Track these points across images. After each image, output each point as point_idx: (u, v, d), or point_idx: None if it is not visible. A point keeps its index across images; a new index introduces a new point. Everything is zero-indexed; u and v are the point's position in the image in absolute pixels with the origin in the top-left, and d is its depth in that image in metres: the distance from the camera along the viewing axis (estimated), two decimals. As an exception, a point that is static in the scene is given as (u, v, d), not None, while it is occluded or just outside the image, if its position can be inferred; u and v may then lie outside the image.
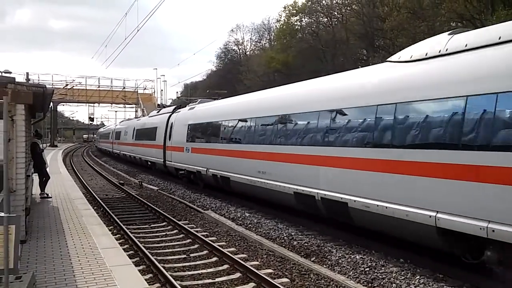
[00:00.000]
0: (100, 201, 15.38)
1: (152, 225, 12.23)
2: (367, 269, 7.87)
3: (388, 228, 8.32)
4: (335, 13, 49.30)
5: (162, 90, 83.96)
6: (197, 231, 11.06)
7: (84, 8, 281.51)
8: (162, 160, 23.03)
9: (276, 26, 61.95)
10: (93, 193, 17.35)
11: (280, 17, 58.04)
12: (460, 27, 31.52)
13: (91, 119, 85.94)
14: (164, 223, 12.44)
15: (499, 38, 6.70)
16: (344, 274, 7.79)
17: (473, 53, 7.02)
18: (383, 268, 7.83)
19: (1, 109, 5.28)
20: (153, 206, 14.52)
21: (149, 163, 26.71)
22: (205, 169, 16.96)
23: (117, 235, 10.54)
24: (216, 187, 16.93)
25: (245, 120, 14.54)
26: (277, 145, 12.14)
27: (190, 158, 19.02)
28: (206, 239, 9.99)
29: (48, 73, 79.98)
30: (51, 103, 23.31)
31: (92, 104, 74.67)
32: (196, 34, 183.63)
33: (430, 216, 7.00)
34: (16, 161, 7.64)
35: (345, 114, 9.59)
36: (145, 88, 71.79)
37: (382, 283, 7.25)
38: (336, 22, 49.47)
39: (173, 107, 26.43)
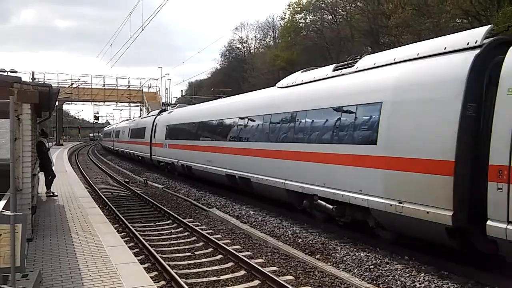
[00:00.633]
0: (105, 199, 15.46)
1: (157, 223, 12.29)
2: (372, 266, 7.88)
3: (268, 192, 13.10)
4: (340, 10, 49.13)
5: (167, 88, 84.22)
6: (202, 229, 11.10)
7: (89, 7, 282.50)
8: (149, 154, 27.61)
9: (280, 23, 61.89)
10: (99, 192, 17.43)
11: (285, 15, 57.95)
12: (465, 23, 31.35)
13: (96, 117, 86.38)
14: (169, 221, 12.49)
15: (326, 75, 11.24)
16: (349, 271, 7.80)
17: (309, 85, 11.83)
18: (387, 266, 7.83)
19: (7, 108, 5.32)
20: (158, 204, 14.58)
21: (140, 157, 31.31)
22: (177, 161, 21.55)
23: (123, 233, 10.60)
24: (184, 174, 21.53)
25: (198, 123, 19.75)
26: (215, 141, 17.28)
27: (167, 152, 23.74)
28: (211, 237, 10.02)
29: (53, 72, 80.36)
30: (57, 102, 23.47)
31: (97, 103, 75.01)
32: (201, 33, 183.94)
33: (282, 182, 11.75)
34: (22, 160, 7.70)
35: (251, 120, 14.36)
36: (150, 87, 71.97)
37: (386, 280, 7.25)
38: (340, 19, 49.29)
39: (158, 110, 31.56)
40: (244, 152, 14.30)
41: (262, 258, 8.72)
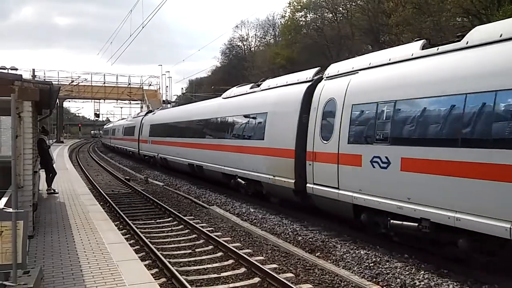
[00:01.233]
0: (106, 196, 15.50)
1: (158, 221, 12.32)
2: (372, 264, 7.90)
3: (214, 176, 16.94)
4: (340, 8, 49.09)
5: (167, 86, 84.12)
6: (202, 227, 11.13)
7: (89, 4, 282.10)
8: (137, 149, 32.20)
9: (280, 22, 61.81)
10: (99, 189, 17.47)
11: (285, 13, 57.90)
12: (466, 22, 31.30)
13: (97, 115, 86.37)
14: (169, 219, 12.52)
15: (246, 91, 15.63)
16: (349, 269, 7.82)
17: (236, 98, 16.27)
18: (387, 264, 7.85)
19: (8, 106, 5.33)
20: (158, 202, 14.61)
21: (131, 152, 35.73)
22: (157, 154, 25.93)
23: (123, 230, 10.64)
24: (162, 165, 25.75)
25: (171, 123, 24.28)
26: (181, 137, 21.46)
27: (150, 147, 28.24)
28: (211, 234, 10.05)
29: (54, 70, 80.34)
30: (57, 100, 23.57)
31: (97, 100, 75.00)
32: (201, 30, 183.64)
33: (220, 168, 15.82)
34: (23, 157, 7.73)
35: (204, 122, 18.73)
36: (150, 85, 71.99)
37: (386, 278, 7.27)
38: (341, 18, 49.26)
39: (146, 111, 37.46)
40: (199, 146, 18.56)
41: (262, 256, 8.75)
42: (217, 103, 18.39)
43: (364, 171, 8.80)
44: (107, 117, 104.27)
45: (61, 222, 9.37)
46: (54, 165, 13.98)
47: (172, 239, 10.26)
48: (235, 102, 16.15)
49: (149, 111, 35.76)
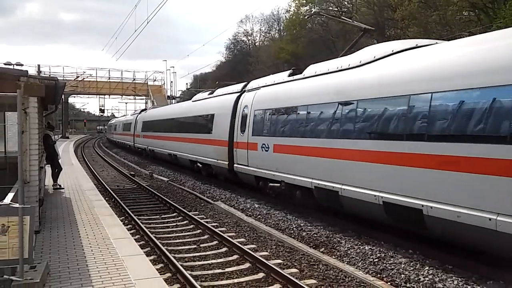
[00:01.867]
0: (111, 192, 15.57)
1: (162, 216, 12.38)
2: (376, 260, 7.91)
3: (182, 162, 21.79)
4: (345, 2, 48.80)
5: (172, 81, 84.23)
6: (207, 222, 11.17)
7: (94, 0, 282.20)
8: (133, 143, 37.10)
9: (285, 16, 61.50)
10: (105, 184, 17.56)
11: (290, 8, 57.57)
12: (472, 16, 31.04)
13: (102, 110, 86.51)
14: (174, 214, 12.58)
15: (204, 97, 21.15)
16: (353, 265, 7.84)
17: (199, 102, 21.42)
18: (392, 259, 7.85)
19: (14, 102, 5.36)
20: (163, 197, 14.67)
21: (127, 145, 40.84)
22: (147, 146, 30.89)
23: (129, 226, 10.70)
24: (151, 156, 30.26)
25: (157, 120, 29.21)
26: (162, 132, 26.32)
27: (142, 141, 32.89)
28: (216, 230, 10.09)
29: (59, 65, 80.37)
30: (63, 95, 23.74)
31: (102, 96, 75.04)
32: (205, 25, 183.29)
33: (187, 155, 20.45)
34: (29, 153, 7.76)
35: (179, 119, 23.52)
36: (155, 80, 71.90)
37: (391, 273, 7.28)
38: (346, 12, 48.96)
39: (141, 109, 42.62)
40: (174, 139, 23.19)
41: (266, 251, 8.77)
42: (187, 105, 24.42)
43: (258, 153, 13.53)
44: (112, 113, 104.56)
45: (67, 217, 9.44)
46: (59, 161, 14.05)
47: (177, 234, 10.31)
48: (198, 105, 21.17)
49: (143, 110, 41.05)
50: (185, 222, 11.58)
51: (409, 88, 8.02)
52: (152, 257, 8.13)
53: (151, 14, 53.08)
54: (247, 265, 7.89)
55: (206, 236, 10.01)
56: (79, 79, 55.06)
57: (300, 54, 49.88)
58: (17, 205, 5.13)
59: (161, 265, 7.84)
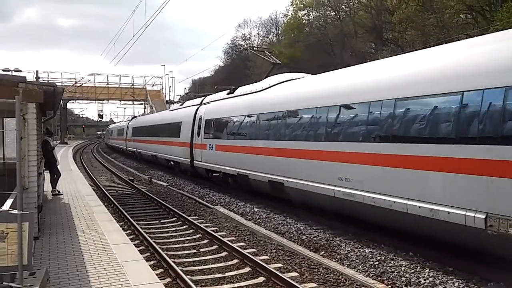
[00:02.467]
0: (110, 197, 15.54)
1: (162, 221, 12.35)
2: (376, 262, 7.89)
3: (161, 162, 26.31)
4: (343, 6, 48.94)
5: (170, 86, 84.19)
6: (206, 226, 11.14)
7: (92, 5, 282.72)
8: (125, 146, 41.64)
9: (283, 20, 61.73)
10: (104, 190, 17.52)
11: (288, 12, 57.84)
12: (469, 19, 31.15)
13: (101, 116, 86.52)
14: (174, 219, 12.55)
15: (179, 105, 28.73)
16: (354, 268, 7.82)
17: (168, 112, 29.86)
18: (392, 262, 7.84)
19: (13, 108, 5.36)
20: (162, 202, 14.64)
21: (120, 149, 45.49)
22: (136, 149, 35.03)
23: (128, 231, 10.66)
24: (139, 157, 34.35)
25: (141, 126, 34.68)
26: (147, 136, 31.00)
27: (133, 144, 37.08)
28: (216, 234, 10.07)
29: (57, 71, 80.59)
30: (61, 101, 23.82)
31: (101, 101, 75.05)
32: (204, 30, 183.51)
33: (163, 155, 25.27)
34: (28, 159, 7.75)
35: (153, 126, 29.74)
36: (153, 85, 71.96)
37: (391, 276, 7.26)
38: (344, 16, 49.13)
39: (132, 116, 48.66)
40: (155, 142, 27.89)
41: (266, 255, 8.75)
42: (165, 113, 30.17)
43: (207, 152, 18.01)
44: (111, 118, 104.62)
45: (66, 223, 9.41)
46: (58, 167, 14.02)
47: (177, 239, 10.28)
48: (172, 113, 26.39)
49: (134, 117, 46.97)
50: (184, 226, 11.55)
51: (283, 106, 12.67)
52: (151, 262, 8.11)
53: (149, 19, 53.23)
54: (247, 269, 7.87)
55: (205, 241, 9.98)
56: (78, 84, 55.12)
57: (298, 58, 49.95)
58: (16, 211, 5.11)
59: (161, 270, 7.82)
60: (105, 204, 13.36)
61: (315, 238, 9.73)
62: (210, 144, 17.64)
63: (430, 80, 7.70)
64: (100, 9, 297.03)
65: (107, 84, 67.54)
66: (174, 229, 11.38)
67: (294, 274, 7.53)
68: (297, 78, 14.10)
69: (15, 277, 5.13)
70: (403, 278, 7.14)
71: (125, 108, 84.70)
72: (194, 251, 9.25)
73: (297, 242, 9.62)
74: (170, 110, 28.56)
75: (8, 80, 7.79)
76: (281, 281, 6.97)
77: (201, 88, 75.24)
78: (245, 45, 72.44)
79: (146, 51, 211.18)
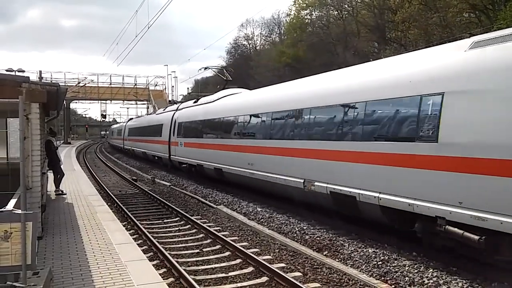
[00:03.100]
0: (113, 197, 15.57)
1: (165, 221, 12.36)
2: (380, 262, 7.87)
3: (149, 157, 31.06)
4: (346, 5, 48.91)
5: (173, 86, 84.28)
6: (209, 226, 11.15)
7: (95, 6, 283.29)
8: (123, 145, 46.14)
9: (286, 20, 61.74)
10: (107, 190, 17.56)
11: (290, 11, 57.83)
12: (473, 18, 31.04)
13: (104, 116, 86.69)
14: (177, 218, 12.56)
15: (163, 110, 32.92)
16: (357, 267, 7.80)
17: (159, 114, 31.80)
18: (395, 262, 7.82)
19: (16, 108, 5.36)
20: (166, 202, 14.66)
21: (119, 147, 49.64)
22: (131, 147, 40.00)
23: (131, 231, 10.67)
24: (133, 155, 39.37)
25: (136, 127, 38.81)
26: (139, 136, 35.83)
27: (128, 143, 41.79)
28: (219, 234, 10.07)
29: (60, 71, 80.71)
30: (64, 101, 23.95)
31: (104, 101, 75.25)
32: (206, 30, 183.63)
33: (145, 151, 32.22)
34: (31, 159, 7.77)
35: (138, 128, 37.22)
36: (156, 85, 72.06)
37: (395, 276, 7.24)
38: (346, 15, 49.08)
39: (129, 118, 55.53)
40: (144, 141, 32.55)
41: (270, 255, 8.75)
42: (151, 116, 37.37)
43: (179, 148, 22.30)
44: (114, 118, 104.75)
45: (69, 223, 9.43)
46: (61, 166, 14.06)
47: (180, 239, 10.29)
48: (157, 116, 30.90)
49: (130, 118, 53.39)
50: (187, 226, 11.56)
51: (223, 113, 17.46)
52: (155, 262, 8.12)
53: (152, 19, 53.27)
54: (250, 269, 7.87)
55: (209, 241, 9.99)
56: (81, 84, 55.22)
57: (300, 58, 49.98)
58: (19, 211, 5.11)
59: (164, 269, 7.83)
60: (108, 204, 13.37)
61: (318, 238, 9.72)
62: (180, 142, 22.35)
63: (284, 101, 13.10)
64: (102, 10, 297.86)
65: (110, 84, 67.69)
66: (177, 228, 11.39)
67: (297, 274, 7.52)
68: (236, 93, 19.12)
69: (19, 277, 5.14)
70: (406, 278, 7.12)
71: (128, 108, 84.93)
72: (197, 250, 9.26)
73: (300, 242, 9.61)
74: (156, 114, 33.44)
75: (12, 80, 7.80)
76: (284, 281, 6.97)
77: (203, 87, 75.31)
78: (248, 45, 72.58)
79: (148, 51, 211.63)
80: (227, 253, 8.91)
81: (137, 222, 11.35)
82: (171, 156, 23.84)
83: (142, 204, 15.01)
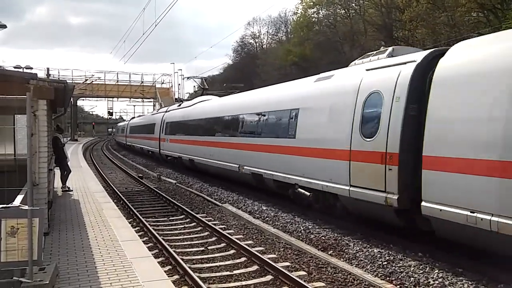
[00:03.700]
0: (119, 194, 15.64)
1: (170, 218, 12.40)
2: (385, 263, 7.84)
3: (145, 151, 35.68)
4: (353, 4, 48.63)
5: (179, 84, 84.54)
6: (214, 224, 11.16)
7: (102, 3, 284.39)
8: (125, 142, 50.24)
9: (293, 18, 61.52)
10: (113, 187, 17.64)
11: (297, 10, 57.55)
12: (481, 17, 30.79)
13: (110, 113, 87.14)
14: (182, 216, 12.59)
15: (157, 111, 42.87)
16: (362, 267, 7.78)
17: (154, 114, 37.52)
18: (401, 262, 7.78)
19: (24, 104, 5.40)
20: (171, 199, 14.70)
21: (123, 143, 54.00)
22: (132, 144, 43.84)
23: (137, 228, 10.72)
24: (133, 150, 43.35)
25: (136, 126, 43.95)
26: (137, 133, 40.76)
27: (130, 140, 46.12)
28: (224, 232, 10.09)
29: (67, 69, 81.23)
30: (71, 98, 24.15)
31: (111, 99, 75.69)
32: (213, 28, 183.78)
33: (142, 147, 37.24)
34: (38, 155, 7.82)
35: (136, 126, 43.00)
36: (162, 83, 72.34)
37: (400, 276, 7.21)
38: (353, 14, 48.82)
39: (131, 118, 61.63)
40: (140, 138, 36.99)
41: (274, 254, 8.75)
42: (148, 115, 42.61)
43: (166, 143, 27.16)
44: (120, 115, 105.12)
45: (75, 219, 9.49)
46: (68, 163, 14.14)
47: (185, 237, 10.32)
48: (152, 116, 35.38)
49: (132, 118, 59.51)
50: (192, 224, 11.59)
51: (196, 116, 21.86)
52: (160, 259, 8.14)
53: (159, 17, 53.40)
54: (255, 267, 7.88)
55: (213, 238, 10.00)
56: (88, 82, 55.53)
57: (307, 56, 49.82)
58: (26, 207, 5.16)
59: (169, 267, 7.85)
60: (114, 201, 13.44)
61: (323, 237, 9.70)
62: (167, 139, 26.99)
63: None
64: (110, 7, 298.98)
65: (117, 81, 68.15)
66: (182, 226, 11.42)
67: (302, 273, 7.51)
68: (207, 100, 23.87)
69: (25, 272, 5.19)
70: (412, 278, 7.09)
71: (134, 105, 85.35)
72: (202, 248, 9.27)
73: (305, 241, 9.60)
74: (152, 114, 39.06)
75: (19, 77, 7.87)
76: (289, 280, 6.97)
77: (210, 85, 75.27)
78: (254, 43, 72.54)
79: (155, 49, 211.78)
80: (232, 251, 8.92)
81: (142, 220, 11.39)
82: (161, 151, 28.46)
83: (148, 202, 15.06)
